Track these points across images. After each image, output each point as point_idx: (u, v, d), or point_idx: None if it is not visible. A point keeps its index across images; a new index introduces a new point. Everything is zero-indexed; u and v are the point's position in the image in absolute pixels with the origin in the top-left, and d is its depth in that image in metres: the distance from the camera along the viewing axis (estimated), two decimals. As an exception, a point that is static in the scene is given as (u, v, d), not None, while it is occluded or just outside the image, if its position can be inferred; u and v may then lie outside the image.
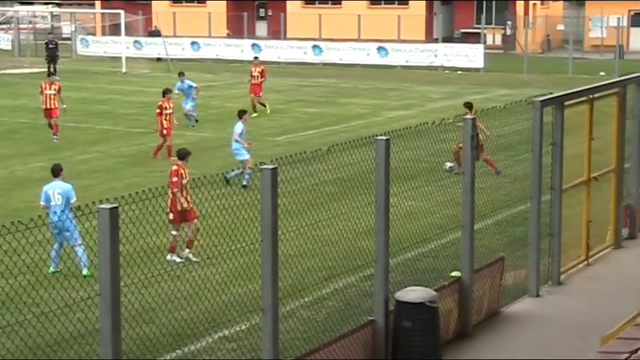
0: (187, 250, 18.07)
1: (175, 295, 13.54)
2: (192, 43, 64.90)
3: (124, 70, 57.67)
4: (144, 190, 9.72)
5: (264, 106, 39.41)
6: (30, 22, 74.35)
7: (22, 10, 76.44)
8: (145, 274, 11.20)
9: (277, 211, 10.53)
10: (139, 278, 11.00)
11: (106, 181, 26.03)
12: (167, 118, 29.06)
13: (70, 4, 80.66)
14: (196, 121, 35.65)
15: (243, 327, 14.01)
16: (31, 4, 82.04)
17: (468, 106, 26.19)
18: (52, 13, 78.25)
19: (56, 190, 17.76)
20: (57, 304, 11.34)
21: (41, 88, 32.52)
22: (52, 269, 17.18)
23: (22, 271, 15.64)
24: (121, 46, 60.32)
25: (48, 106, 32.15)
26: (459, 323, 13.92)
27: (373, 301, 12.64)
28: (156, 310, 13.44)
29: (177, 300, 13.63)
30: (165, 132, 29.02)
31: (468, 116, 23.20)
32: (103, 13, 72.64)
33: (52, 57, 54.65)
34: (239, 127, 25.48)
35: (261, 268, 10.56)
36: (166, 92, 29.78)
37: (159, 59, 62.56)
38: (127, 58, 58.88)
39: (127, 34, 61.42)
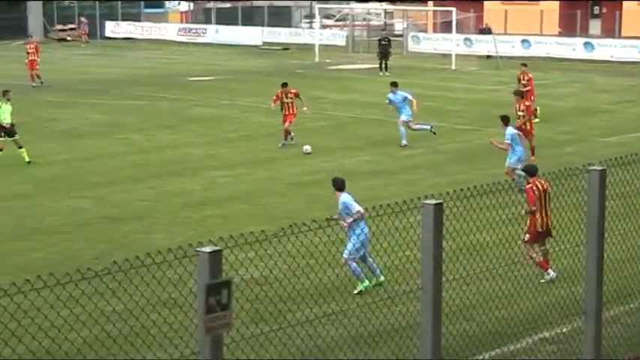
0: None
1: (497, 294, 13.46)
2: (523, 40, 64.29)
3: (453, 67, 58.02)
4: (469, 188, 9.73)
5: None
6: (364, 20, 76.27)
7: (357, 7, 78.52)
8: (467, 270, 11.23)
9: (604, 213, 10.26)
10: (461, 275, 11.05)
11: (431, 177, 26.26)
12: (520, 119, 28.47)
13: (402, 2, 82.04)
14: (433, 133, 32.02)
15: (564, 329, 13.74)
16: (366, 1, 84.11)
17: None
18: (385, 10, 79.86)
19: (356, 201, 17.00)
20: (380, 296, 11.58)
21: (277, 96, 31.83)
22: (366, 284, 16.37)
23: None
24: (451, 43, 60.72)
25: (286, 112, 31.46)
26: None
27: None
28: (476, 307, 13.44)
29: (498, 299, 13.54)
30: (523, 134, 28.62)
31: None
32: (435, 11, 73.36)
33: (383, 53, 55.79)
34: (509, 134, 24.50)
35: (585, 271, 10.33)
36: (518, 94, 29.35)
37: (488, 57, 62.47)
38: (456, 55, 59.21)
39: (457, 32, 61.74)
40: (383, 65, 55.51)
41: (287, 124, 31.22)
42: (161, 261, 7.70)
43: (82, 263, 16.68)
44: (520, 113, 28.48)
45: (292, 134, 31.41)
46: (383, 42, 56.44)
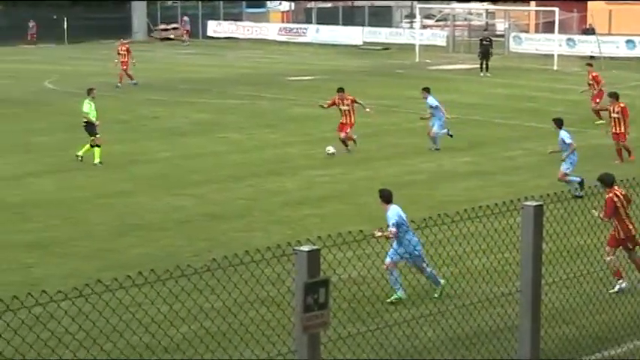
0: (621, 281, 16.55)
1: (597, 297, 13.28)
2: (628, 41, 63.15)
3: (555, 67, 57.35)
4: (569, 190, 9.61)
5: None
6: (465, 20, 75.81)
7: (459, 7, 78.07)
8: (567, 273, 11.09)
9: None
10: (561, 277, 10.91)
11: (531, 179, 25.98)
12: (616, 121, 27.97)
13: (505, 2, 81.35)
14: (450, 135, 30.79)
15: (669, 336, 13.49)
16: (468, 1, 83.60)
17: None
18: (487, 10, 79.28)
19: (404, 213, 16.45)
20: (478, 298, 11.49)
21: (332, 101, 30.66)
22: (401, 294, 15.86)
23: (445, 262, 16.05)
24: (553, 43, 60.01)
25: (343, 121, 30.22)
26: None
27: None
28: (576, 310, 13.26)
29: (598, 302, 13.35)
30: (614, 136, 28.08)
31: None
32: (537, 11, 72.57)
33: (484, 54, 55.36)
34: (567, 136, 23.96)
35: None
36: (612, 96, 28.91)
37: (591, 57, 61.56)
38: (558, 55, 58.50)
39: (560, 32, 60.96)
40: (484, 66, 55.09)
41: (343, 134, 30.02)
42: (259, 259, 7.75)
43: (182, 260, 16.90)
44: (615, 115, 28.05)
45: (355, 137, 30.33)
46: (484, 42, 56.01)
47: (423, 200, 23.70)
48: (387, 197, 16.30)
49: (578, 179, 23.49)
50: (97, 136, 28.65)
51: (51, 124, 36.32)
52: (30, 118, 38.46)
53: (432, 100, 30.76)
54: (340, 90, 30.49)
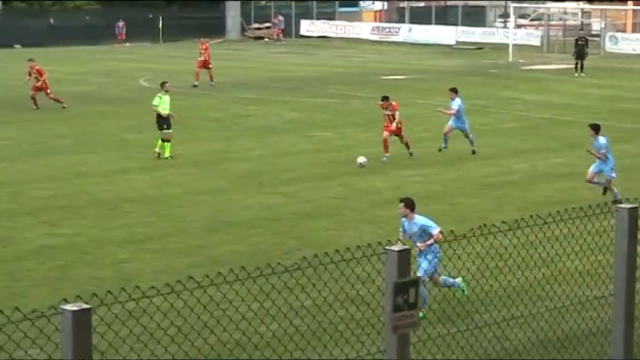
0: None
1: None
2: None
3: (652, 68, 56.49)
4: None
5: None
6: (560, 19, 74.97)
7: (554, 6, 77.23)
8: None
9: None
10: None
11: (625, 181, 25.51)
12: None
13: (601, 1, 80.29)
14: (444, 148, 29.82)
15: None
16: (563, 0, 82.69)
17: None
18: (582, 9, 78.29)
19: None
20: (570, 300, 11.36)
21: (382, 106, 29.23)
22: (461, 281, 15.53)
23: (537, 264, 15.88)
24: (650, 43, 59.10)
25: (386, 124, 28.67)
26: None
27: None
28: (671, 315, 13.03)
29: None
30: None
31: None
32: (634, 10, 71.45)
33: (579, 54, 54.68)
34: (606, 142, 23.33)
35: None
36: None
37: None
38: (655, 55, 57.64)
39: (657, 32, 59.98)
40: (579, 66, 54.42)
41: (404, 139, 28.94)
42: (350, 258, 7.76)
43: (272, 258, 17.01)
44: None
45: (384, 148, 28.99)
46: (580, 42, 55.32)
47: (515, 201, 23.51)
48: (412, 205, 15.79)
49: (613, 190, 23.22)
50: (165, 130, 29.10)
51: (144, 122, 36.76)
52: (124, 116, 39.04)
53: (457, 103, 29.63)
54: (385, 98, 29.04)
